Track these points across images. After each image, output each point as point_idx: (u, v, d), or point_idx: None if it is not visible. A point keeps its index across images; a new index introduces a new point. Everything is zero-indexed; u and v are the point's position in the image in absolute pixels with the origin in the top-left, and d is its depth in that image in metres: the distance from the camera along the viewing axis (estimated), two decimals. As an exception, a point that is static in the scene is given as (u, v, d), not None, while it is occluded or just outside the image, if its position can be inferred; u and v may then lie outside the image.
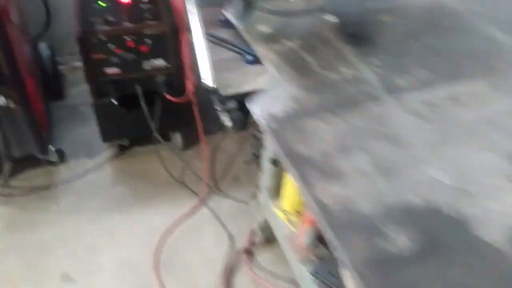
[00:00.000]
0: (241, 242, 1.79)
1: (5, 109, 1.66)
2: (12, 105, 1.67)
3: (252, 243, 1.78)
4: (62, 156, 2.01)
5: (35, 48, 2.13)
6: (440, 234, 0.67)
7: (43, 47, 2.17)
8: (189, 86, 1.87)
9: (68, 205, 1.92)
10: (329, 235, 0.66)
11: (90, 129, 2.10)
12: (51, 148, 1.94)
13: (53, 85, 2.22)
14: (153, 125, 1.88)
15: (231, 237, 1.83)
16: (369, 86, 0.90)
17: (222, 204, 1.97)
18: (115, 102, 1.78)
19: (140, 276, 1.71)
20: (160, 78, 1.83)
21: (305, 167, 0.75)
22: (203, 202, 1.94)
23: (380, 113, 0.85)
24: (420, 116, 0.85)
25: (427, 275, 0.62)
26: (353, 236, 0.67)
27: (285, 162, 0.76)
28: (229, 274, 1.70)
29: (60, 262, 1.74)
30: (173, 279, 1.71)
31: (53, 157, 1.96)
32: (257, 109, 0.84)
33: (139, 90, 1.81)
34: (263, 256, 1.77)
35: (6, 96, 1.64)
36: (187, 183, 2.02)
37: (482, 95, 0.90)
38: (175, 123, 2.03)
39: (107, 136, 1.95)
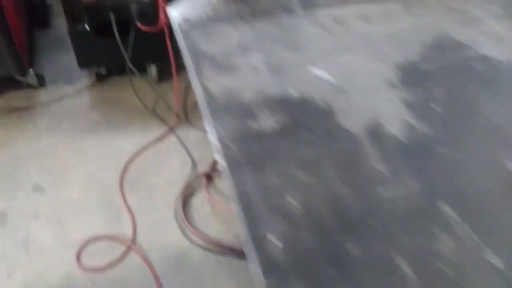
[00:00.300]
0: (204, 168, 1.91)
1: (-18, 29, 1.75)
2: (-11, 25, 1.76)
3: (213, 169, 1.89)
4: (41, 80, 2.11)
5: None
6: (305, 120, 0.76)
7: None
8: (162, 16, 1.93)
9: (44, 126, 2.04)
10: (206, 116, 0.75)
11: (72, 58, 2.18)
12: (31, 71, 2.04)
13: (38, 14, 2.29)
14: (126, 55, 1.95)
15: (194, 163, 1.94)
16: (287, 0, 0.96)
17: (190, 134, 2.06)
18: (88, 28, 1.85)
19: (105, 191, 1.84)
20: (133, 7, 1.89)
21: (202, 60, 0.84)
22: (171, 130, 2.04)
23: (288, 24, 0.92)
24: (325, 29, 0.92)
25: (283, 149, 0.72)
26: (227, 117, 0.76)
27: (185, 57, 0.85)
28: (187, 194, 1.83)
29: (32, 175, 1.87)
30: (135, 197, 1.83)
31: (33, 81, 2.06)
32: (174, 13, 0.91)
33: (112, 17, 1.88)
34: (222, 181, 1.88)
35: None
36: (158, 113, 2.12)
37: (391, 15, 0.96)
38: (150, 54, 2.10)
39: (83, 62, 2.04)
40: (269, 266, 0.60)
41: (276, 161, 0.70)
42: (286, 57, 0.85)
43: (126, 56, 1.95)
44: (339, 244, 0.62)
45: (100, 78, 2.22)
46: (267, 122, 0.74)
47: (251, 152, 0.71)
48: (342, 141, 0.73)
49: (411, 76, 0.84)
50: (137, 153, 1.95)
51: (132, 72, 2.03)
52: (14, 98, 2.11)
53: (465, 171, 0.71)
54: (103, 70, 2.18)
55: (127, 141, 2.00)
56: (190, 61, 0.84)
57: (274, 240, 0.62)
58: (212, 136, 0.73)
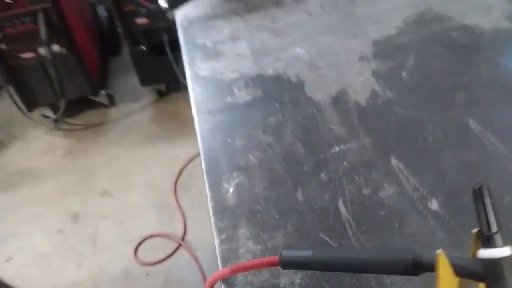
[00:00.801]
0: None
1: (59, 55, 2.06)
2: (65, 52, 2.06)
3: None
4: (111, 99, 2.39)
5: (94, 10, 2.53)
6: (276, 92, 0.83)
7: (101, 9, 2.56)
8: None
9: (113, 139, 2.30)
10: (190, 94, 0.87)
11: (137, 79, 2.45)
12: (102, 92, 2.32)
13: (110, 43, 2.61)
14: (178, 71, 2.16)
15: (242, 167, 2.05)
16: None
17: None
18: (144, 49, 2.09)
19: (161, 194, 2.02)
20: (184, 28, 2.09)
21: (195, 51, 0.95)
22: (221, 137, 2.18)
23: (277, 14, 1.01)
24: (311, 14, 0.99)
25: (251, 117, 0.80)
26: (208, 94, 0.86)
27: (182, 49, 0.97)
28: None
29: (102, 181, 2.12)
30: (186, 197, 1.99)
31: (104, 100, 2.35)
32: (179, 14, 1.05)
33: (165, 38, 2.10)
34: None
35: (59, 44, 2.03)
36: (211, 122, 2.27)
37: (378, -3, 1.01)
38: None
39: (144, 80, 2.28)
40: (220, 207, 0.68)
41: (243, 127, 0.78)
42: (269, 43, 0.94)
43: (179, 72, 2.15)
44: (286, 192, 0.68)
45: (161, 95, 2.45)
46: (242, 96, 0.84)
47: (223, 120, 0.80)
48: (306, 108, 0.79)
49: (385, 49, 0.87)
50: (190, 160, 2.11)
51: (186, 87, 2.21)
52: (89, 116, 2.41)
53: (422, 129, 0.73)
54: (163, 87, 2.40)
55: (181, 149, 2.18)
56: (185, 53, 0.96)
57: (227, 187, 0.70)
58: (193, 110, 0.83)
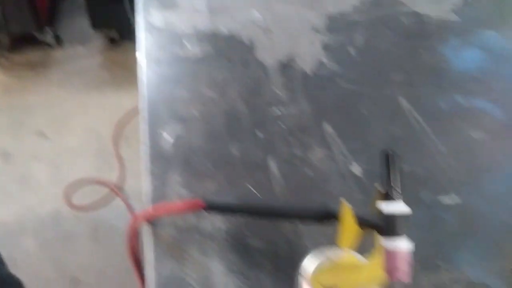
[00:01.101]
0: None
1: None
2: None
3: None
4: (58, 39, 2.29)
5: None
6: (227, 51, 0.85)
7: None
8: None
9: (57, 81, 2.22)
10: (143, 40, 0.87)
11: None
12: (49, 30, 2.21)
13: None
14: (133, 19, 2.09)
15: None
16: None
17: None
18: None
19: (102, 141, 1.99)
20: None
21: (150, 1, 0.95)
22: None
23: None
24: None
25: (199, 71, 0.81)
26: (158, 44, 0.86)
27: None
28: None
29: (39, 122, 2.05)
30: (128, 148, 1.98)
31: (50, 39, 2.24)
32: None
33: (122, -17, 2.02)
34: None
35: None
36: (161, 77, 2.25)
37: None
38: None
39: (95, 23, 2.20)
40: (157, 155, 0.70)
41: (190, 81, 0.80)
42: (227, 2, 0.94)
43: (133, 21, 2.08)
44: (223, 146, 0.71)
45: (113, 42, 2.38)
46: (193, 51, 0.84)
47: (171, 72, 0.81)
48: (253, 70, 0.82)
49: (338, 24, 0.91)
50: (135, 110, 2.08)
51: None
52: (32, 54, 2.30)
53: (358, 102, 0.78)
54: (115, 34, 2.33)
55: (128, 100, 2.14)
56: (140, 1, 0.95)
57: (167, 137, 0.72)
58: (140, 57, 0.83)
